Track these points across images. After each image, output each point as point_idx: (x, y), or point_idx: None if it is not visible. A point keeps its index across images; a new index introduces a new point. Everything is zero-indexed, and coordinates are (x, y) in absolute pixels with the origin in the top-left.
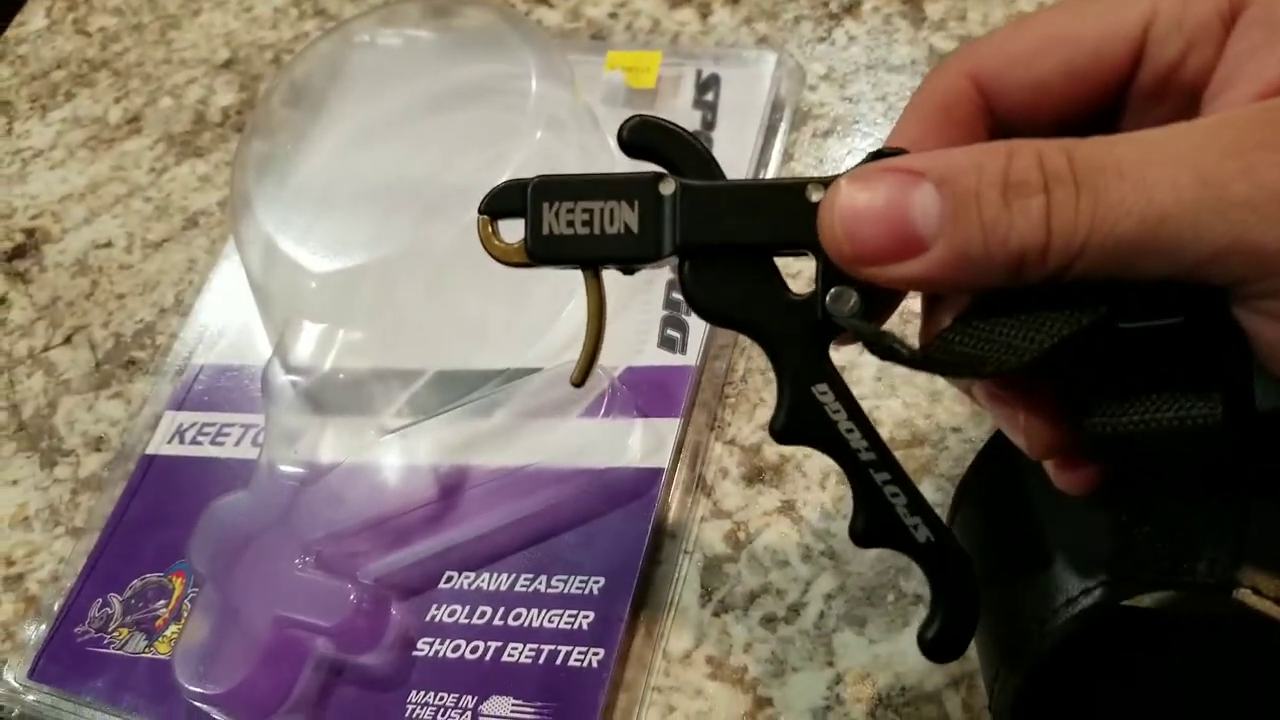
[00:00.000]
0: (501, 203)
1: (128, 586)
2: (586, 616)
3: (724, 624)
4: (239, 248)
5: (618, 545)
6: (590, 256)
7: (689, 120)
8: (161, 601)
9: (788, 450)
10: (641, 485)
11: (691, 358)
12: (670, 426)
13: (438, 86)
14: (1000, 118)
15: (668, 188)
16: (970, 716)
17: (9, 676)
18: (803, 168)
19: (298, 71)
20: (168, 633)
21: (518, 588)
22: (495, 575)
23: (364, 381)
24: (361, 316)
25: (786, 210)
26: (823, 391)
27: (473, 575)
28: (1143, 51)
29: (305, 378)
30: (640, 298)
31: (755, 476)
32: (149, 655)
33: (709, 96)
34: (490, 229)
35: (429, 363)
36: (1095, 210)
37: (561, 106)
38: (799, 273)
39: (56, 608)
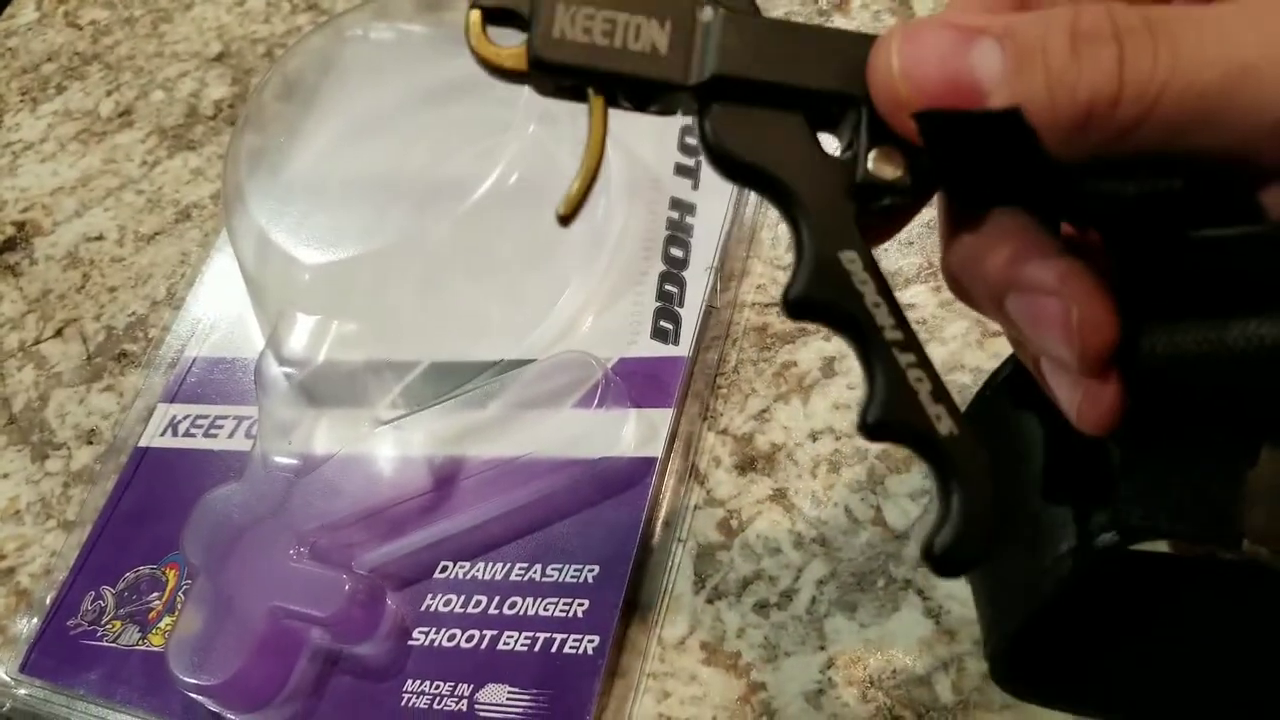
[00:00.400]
0: None
1: (121, 579)
2: (581, 604)
3: (717, 610)
4: (232, 240)
5: (612, 534)
6: (605, 68)
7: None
8: (155, 594)
9: (779, 439)
10: (635, 475)
11: (684, 349)
12: (663, 417)
13: (430, 80)
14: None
15: (706, 14)
16: (960, 698)
17: (0, 671)
18: None
19: (290, 65)
20: (161, 625)
21: (513, 577)
22: (490, 565)
23: (358, 373)
24: (355, 308)
25: (838, 56)
26: (851, 260)
27: (468, 565)
28: None
29: (299, 369)
30: (634, 289)
31: (747, 465)
32: (142, 648)
33: None
34: (482, 28)
35: (423, 354)
36: (1175, 58)
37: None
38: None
39: (49, 601)
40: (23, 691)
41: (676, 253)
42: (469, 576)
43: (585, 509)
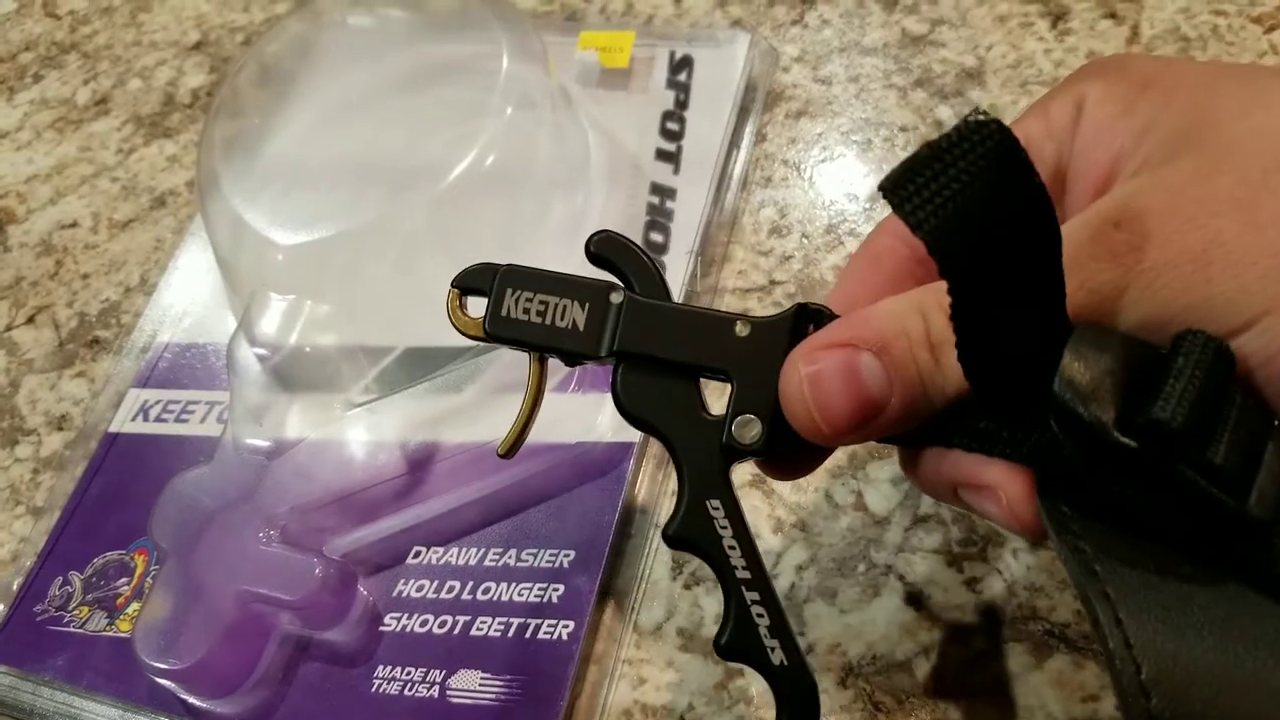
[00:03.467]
0: (472, 280)
1: (89, 565)
2: (556, 589)
3: (695, 596)
4: (206, 225)
5: (588, 519)
6: (538, 343)
7: (662, 100)
8: (123, 579)
9: None
10: (612, 460)
11: None
12: None
13: (409, 66)
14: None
15: (617, 298)
16: (941, 684)
17: None
18: (775, 148)
19: (267, 51)
20: (129, 610)
21: (487, 562)
22: (464, 550)
23: (331, 357)
24: (329, 290)
25: (713, 338)
26: (715, 507)
27: (441, 550)
28: None
29: (271, 352)
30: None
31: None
32: (110, 633)
33: (682, 77)
34: (458, 302)
35: (398, 339)
36: None
37: (533, 85)
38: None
39: (15, 587)
40: None
41: (657, 238)
42: (442, 562)
43: (561, 494)
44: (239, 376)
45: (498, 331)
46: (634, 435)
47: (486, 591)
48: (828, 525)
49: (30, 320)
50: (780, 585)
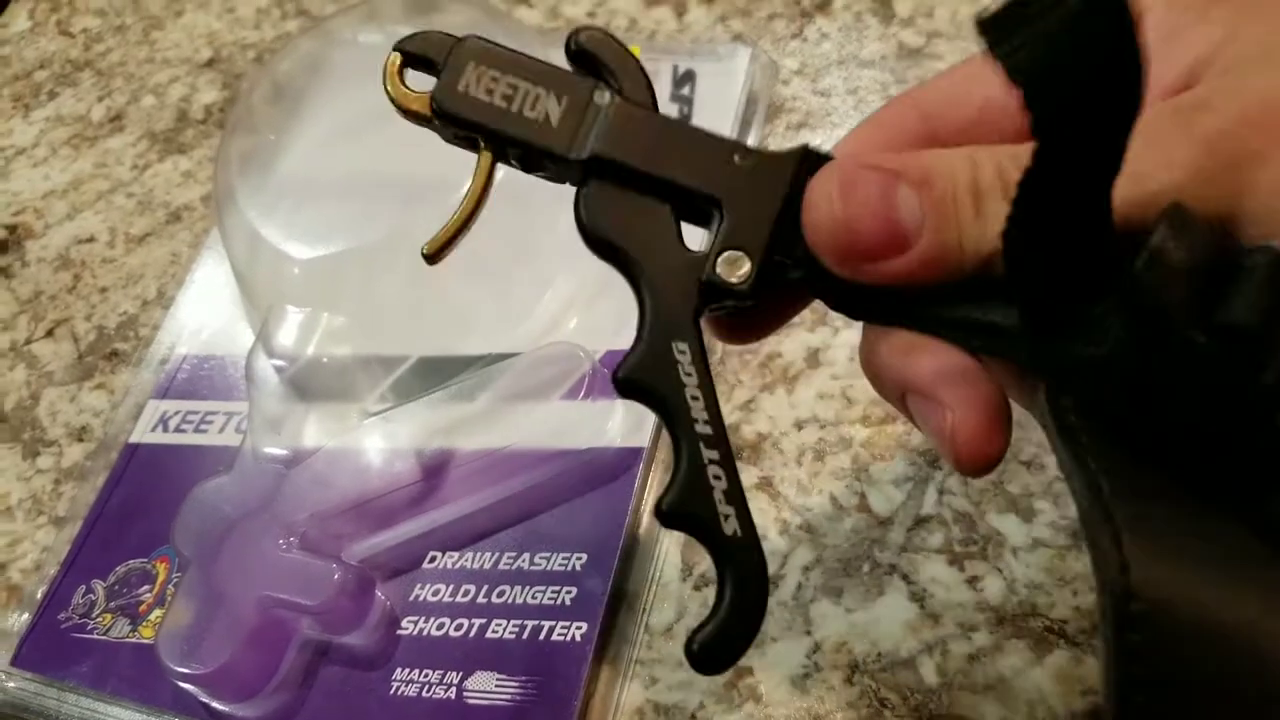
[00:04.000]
0: (420, 46)
1: (111, 573)
2: (569, 592)
3: (705, 598)
4: (223, 239)
5: (599, 523)
6: (497, 129)
7: (666, 113)
8: (145, 587)
9: (765, 429)
10: (622, 465)
11: None
12: None
13: None
14: (944, 144)
15: (603, 97)
16: (944, 680)
17: None
18: None
19: (280, 68)
20: (151, 617)
21: (501, 565)
22: (479, 554)
23: (347, 367)
24: (345, 302)
25: (707, 161)
26: (681, 350)
27: (456, 555)
28: None
29: (289, 364)
30: (619, 283)
31: (734, 455)
32: (133, 640)
33: (685, 91)
34: (398, 70)
35: (412, 349)
36: None
37: None
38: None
39: (39, 595)
40: (13, 685)
41: None
42: (457, 566)
43: (573, 498)
44: (257, 387)
45: (448, 107)
46: (643, 441)
47: (501, 595)
48: (832, 526)
49: (49, 334)
50: (786, 586)
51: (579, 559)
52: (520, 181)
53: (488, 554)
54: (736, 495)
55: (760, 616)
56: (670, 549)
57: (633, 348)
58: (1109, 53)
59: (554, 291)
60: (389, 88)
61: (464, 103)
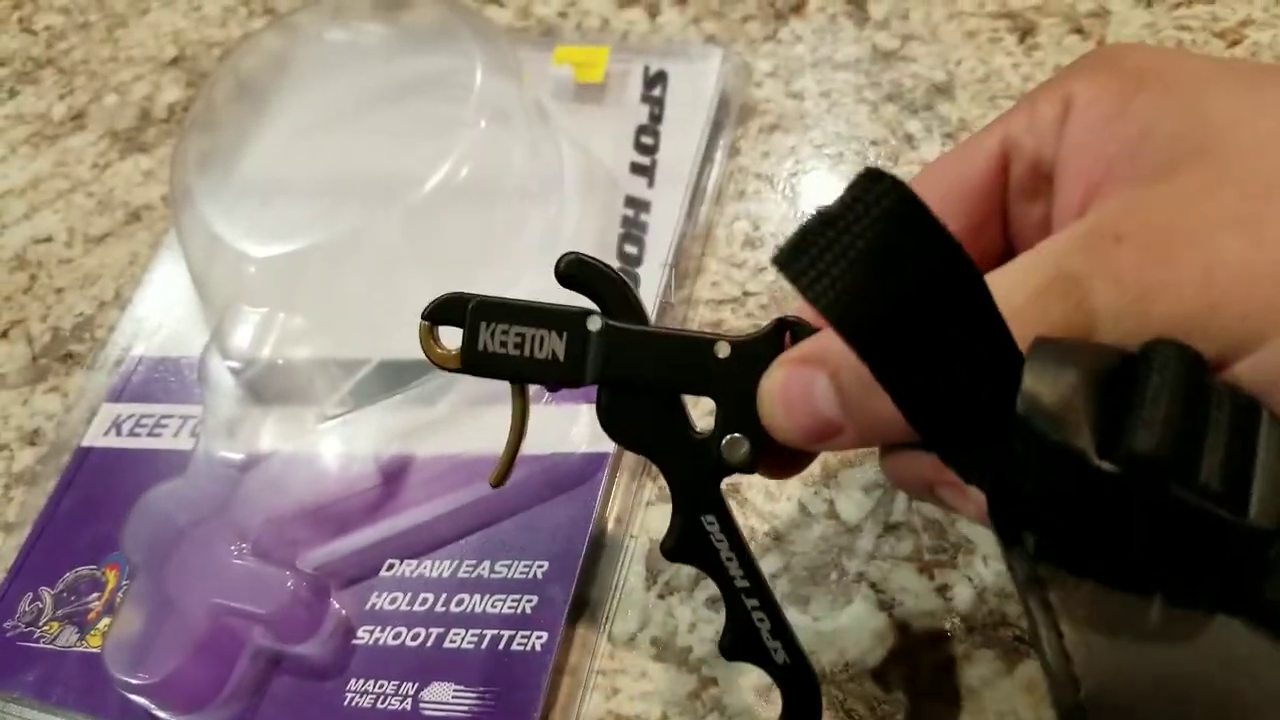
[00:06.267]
0: (443, 313)
1: (59, 580)
2: (530, 601)
3: (669, 606)
4: (180, 239)
5: (562, 530)
6: (519, 375)
7: (637, 114)
8: (94, 594)
9: None
10: (586, 471)
11: None
12: None
13: (385, 79)
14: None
15: (594, 325)
16: (913, 690)
17: None
18: (749, 161)
19: (242, 65)
20: (100, 626)
21: (460, 574)
22: (437, 562)
23: (305, 370)
24: (303, 302)
25: (695, 361)
26: (710, 522)
27: (415, 562)
28: (1007, 160)
29: (245, 366)
30: None
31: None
32: (80, 649)
33: (656, 91)
34: (431, 334)
35: (372, 352)
36: None
37: (508, 99)
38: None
39: None
40: None
41: (631, 250)
42: (415, 574)
43: (536, 505)
44: (212, 390)
45: (475, 364)
46: (608, 446)
47: (460, 604)
48: (800, 534)
49: (3, 335)
50: None
51: (540, 567)
52: (485, 182)
53: (447, 562)
54: (781, 630)
55: None
56: (635, 557)
57: (671, 524)
58: (908, 263)
59: (520, 292)
60: (428, 354)
61: (486, 360)
